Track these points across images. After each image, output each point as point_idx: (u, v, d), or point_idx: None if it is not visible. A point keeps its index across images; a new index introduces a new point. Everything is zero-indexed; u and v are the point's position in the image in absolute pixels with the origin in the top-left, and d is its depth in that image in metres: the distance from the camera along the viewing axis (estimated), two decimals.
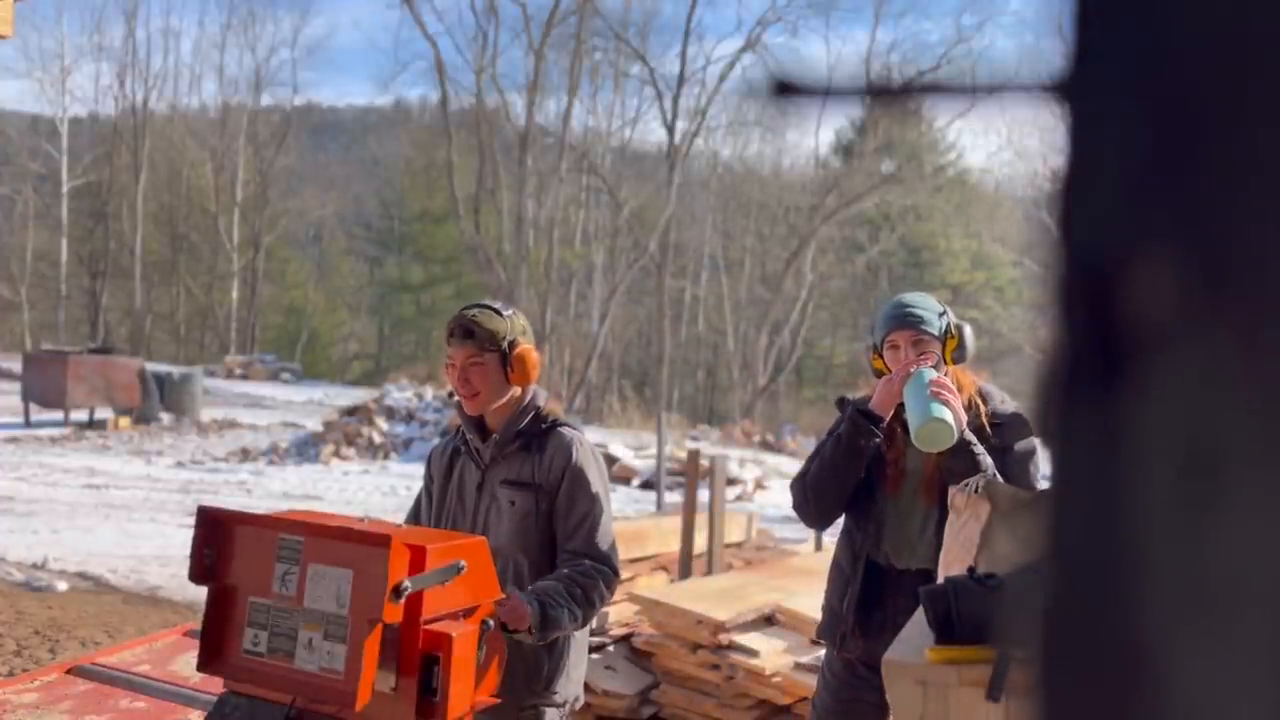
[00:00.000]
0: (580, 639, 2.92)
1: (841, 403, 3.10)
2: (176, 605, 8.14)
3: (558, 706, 2.83)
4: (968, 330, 2.98)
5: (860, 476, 2.96)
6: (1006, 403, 3.00)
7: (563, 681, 2.83)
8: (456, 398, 2.90)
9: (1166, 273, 0.41)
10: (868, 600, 2.96)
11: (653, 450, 17.52)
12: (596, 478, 2.85)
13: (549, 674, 2.80)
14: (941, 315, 2.97)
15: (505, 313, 2.88)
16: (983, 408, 2.95)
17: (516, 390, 2.88)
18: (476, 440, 2.91)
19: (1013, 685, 2.19)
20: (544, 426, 2.88)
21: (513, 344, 2.83)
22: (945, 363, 2.94)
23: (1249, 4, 0.40)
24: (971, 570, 2.67)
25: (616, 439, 20.77)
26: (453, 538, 2.43)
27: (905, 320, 2.96)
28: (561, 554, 2.80)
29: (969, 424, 2.85)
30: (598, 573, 2.75)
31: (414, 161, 45.47)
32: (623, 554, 6.95)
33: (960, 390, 2.88)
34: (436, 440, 20.02)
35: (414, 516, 3.08)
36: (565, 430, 2.88)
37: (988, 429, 2.91)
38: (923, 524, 2.93)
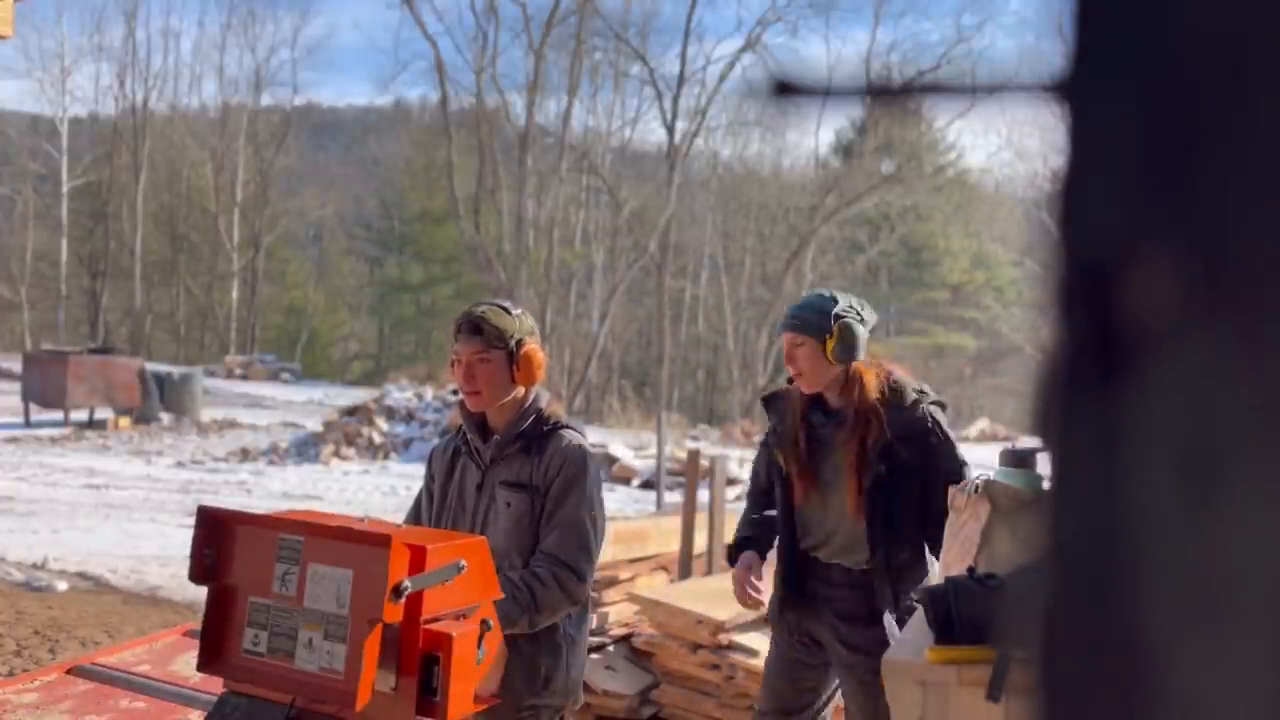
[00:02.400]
0: (580, 641, 2.91)
1: (769, 401, 3.36)
2: (176, 605, 8.14)
3: (556, 708, 2.82)
4: (857, 329, 3.08)
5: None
6: (925, 394, 3.17)
7: (561, 682, 2.82)
8: (460, 395, 2.89)
9: (1166, 272, 0.41)
10: (790, 581, 3.29)
11: (653, 450, 17.52)
12: (589, 484, 2.82)
13: (547, 674, 2.79)
14: (828, 315, 3.08)
15: (514, 312, 2.88)
16: (882, 410, 3.11)
17: (520, 390, 2.86)
18: (477, 440, 2.90)
19: (1013, 685, 2.19)
20: (545, 429, 2.86)
21: (520, 343, 2.82)
22: (827, 360, 3.09)
23: (1249, 4, 0.40)
24: (971, 570, 2.67)
25: (616, 439, 20.78)
26: (453, 538, 2.43)
27: (785, 323, 3.16)
28: (536, 554, 2.79)
29: (876, 435, 3.08)
30: (555, 579, 2.71)
31: (414, 161, 45.47)
32: (623, 554, 6.99)
33: (865, 386, 3.10)
34: (436, 440, 19.98)
35: (414, 516, 3.07)
36: (566, 433, 2.86)
37: (886, 432, 3.10)
38: (835, 526, 3.23)
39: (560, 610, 2.75)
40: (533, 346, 2.84)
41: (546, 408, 2.89)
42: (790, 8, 35.90)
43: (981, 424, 32.48)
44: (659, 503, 14.83)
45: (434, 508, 2.99)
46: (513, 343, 2.82)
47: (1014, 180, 36.93)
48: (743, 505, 3.63)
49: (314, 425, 20.69)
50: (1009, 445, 3.42)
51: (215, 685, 2.48)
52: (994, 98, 0.50)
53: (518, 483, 2.82)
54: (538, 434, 2.85)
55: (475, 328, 2.82)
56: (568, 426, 2.88)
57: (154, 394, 22.18)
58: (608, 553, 6.08)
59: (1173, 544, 0.42)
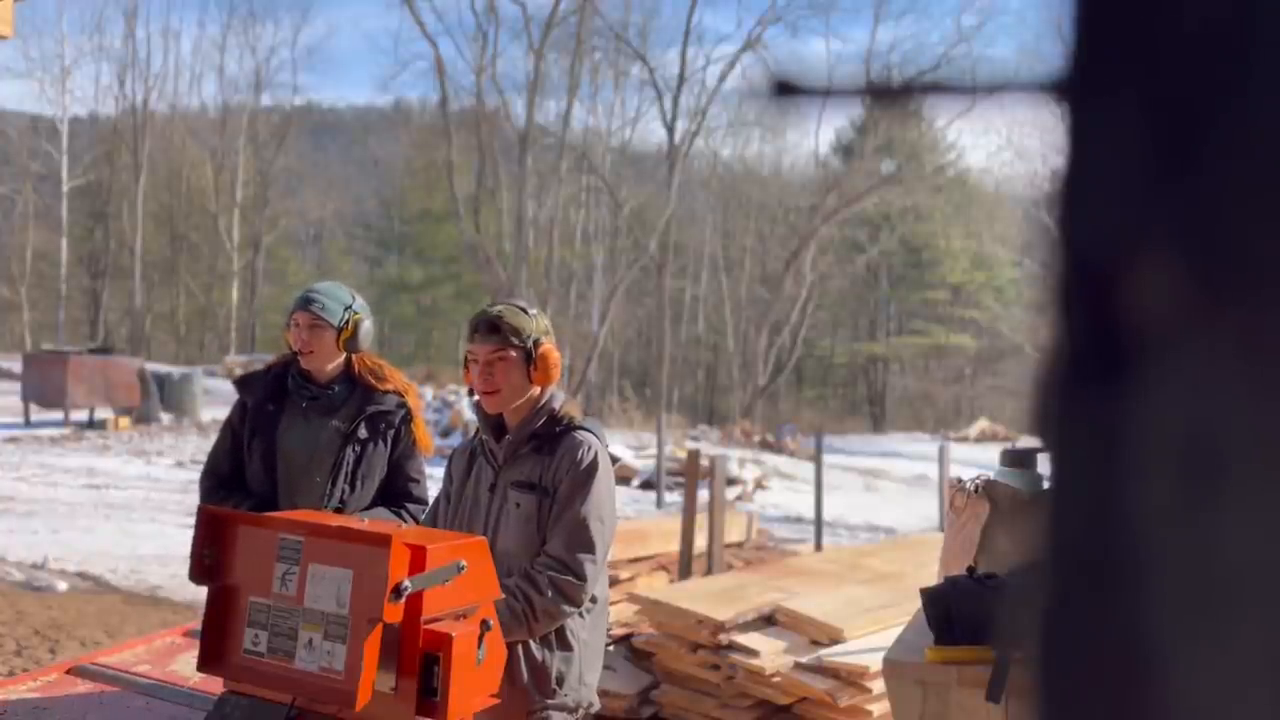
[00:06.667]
0: (595, 644, 2.88)
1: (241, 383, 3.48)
2: (176, 605, 8.14)
3: (569, 710, 2.80)
4: (366, 325, 3.35)
5: None
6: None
7: (573, 685, 2.79)
8: (476, 397, 2.88)
9: (1166, 272, 0.41)
10: None
11: (653, 450, 17.52)
12: (598, 486, 2.79)
13: (557, 676, 2.77)
14: (347, 308, 3.32)
15: (530, 311, 2.87)
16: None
17: (535, 390, 2.86)
18: (491, 441, 2.89)
19: (1012, 685, 2.19)
20: (558, 429, 2.84)
21: (536, 343, 2.82)
22: (339, 348, 3.32)
23: (1249, 4, 0.40)
24: (971, 570, 2.68)
25: (616, 439, 20.77)
26: (453, 538, 2.42)
27: (306, 303, 3.31)
28: (538, 556, 2.77)
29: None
30: (553, 584, 2.69)
31: (414, 161, 45.44)
32: (623, 554, 6.98)
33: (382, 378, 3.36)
34: (438, 440, 19.89)
35: (431, 520, 3.06)
36: (579, 434, 2.83)
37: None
38: None
39: (560, 616, 2.73)
40: (549, 346, 2.83)
41: (561, 408, 2.87)
42: (790, 8, 35.92)
43: (981, 424, 32.49)
44: (659, 503, 14.83)
45: (450, 509, 2.98)
46: (529, 342, 2.81)
47: (1014, 180, 36.89)
48: (744, 506, 3.61)
49: None
50: (1009, 445, 3.43)
51: (215, 685, 2.48)
52: (994, 98, 0.50)
53: (528, 483, 2.81)
54: (550, 434, 2.84)
55: (492, 327, 2.81)
56: (582, 427, 2.86)
57: (154, 394, 22.17)
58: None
59: (1173, 544, 0.42)
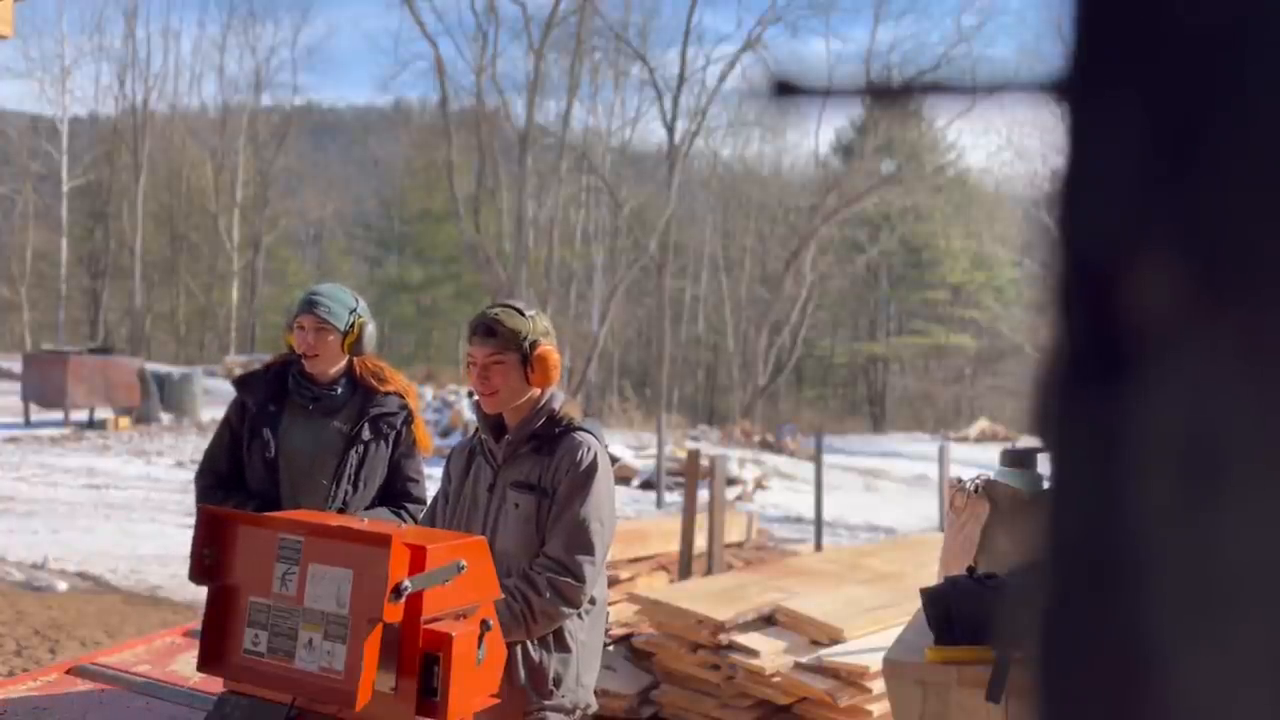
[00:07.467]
0: (593, 645, 2.89)
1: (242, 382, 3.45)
2: (176, 605, 8.14)
3: (566, 712, 2.80)
4: (370, 329, 3.36)
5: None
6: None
7: (571, 686, 2.80)
8: (475, 397, 2.89)
9: (1166, 272, 0.41)
10: None
11: (653, 450, 17.51)
12: (598, 487, 2.80)
13: (555, 677, 2.78)
14: (352, 311, 3.33)
15: (528, 313, 2.88)
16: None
17: (535, 391, 2.87)
18: (490, 440, 2.90)
19: (1012, 685, 2.19)
20: (558, 430, 2.85)
21: (534, 344, 2.83)
22: (344, 351, 3.32)
23: (1249, 4, 0.40)
24: (971, 570, 2.68)
25: (616, 439, 20.77)
26: (453, 538, 2.43)
27: (311, 306, 3.30)
28: (537, 556, 2.78)
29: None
30: (552, 585, 2.70)
31: (414, 161, 45.44)
32: (623, 554, 6.97)
33: (384, 380, 3.37)
34: (438, 440, 19.94)
35: (429, 519, 3.07)
36: (579, 435, 2.84)
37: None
38: None
39: (558, 617, 2.74)
40: (547, 348, 2.84)
41: (560, 408, 2.88)
42: (790, 8, 35.90)
43: (981, 424, 32.49)
44: (659, 503, 14.83)
45: (449, 508, 2.98)
46: (526, 344, 2.82)
47: (1014, 180, 36.87)
48: (744, 506, 3.60)
49: None
50: (1009, 445, 3.43)
51: (215, 685, 2.48)
52: (994, 98, 0.50)
53: (527, 483, 2.82)
54: (549, 435, 2.84)
55: (489, 330, 2.83)
56: (581, 428, 2.87)
57: (154, 394, 22.17)
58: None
59: (1173, 544, 0.42)
